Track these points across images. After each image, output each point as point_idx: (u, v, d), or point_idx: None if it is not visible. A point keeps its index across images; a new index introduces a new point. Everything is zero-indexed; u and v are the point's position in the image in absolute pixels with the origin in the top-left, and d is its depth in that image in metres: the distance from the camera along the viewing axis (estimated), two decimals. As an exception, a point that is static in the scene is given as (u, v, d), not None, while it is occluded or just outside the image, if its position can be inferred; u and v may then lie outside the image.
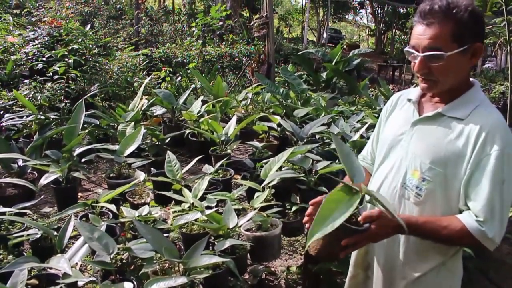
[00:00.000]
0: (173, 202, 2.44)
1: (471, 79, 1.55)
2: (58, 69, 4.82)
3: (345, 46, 5.80)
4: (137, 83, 5.50)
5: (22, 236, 1.75)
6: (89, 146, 2.61)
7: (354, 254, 1.79)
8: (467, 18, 1.38)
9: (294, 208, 2.19)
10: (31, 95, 4.21)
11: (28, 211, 1.88)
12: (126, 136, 2.61)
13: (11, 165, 2.35)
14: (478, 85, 1.55)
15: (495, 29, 5.91)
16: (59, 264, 1.49)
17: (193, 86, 4.10)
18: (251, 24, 6.17)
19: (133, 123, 2.85)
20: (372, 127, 3.08)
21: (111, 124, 3.17)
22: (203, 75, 6.20)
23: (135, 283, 1.52)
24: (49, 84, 4.57)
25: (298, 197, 2.29)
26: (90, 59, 5.65)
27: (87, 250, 1.55)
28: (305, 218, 1.47)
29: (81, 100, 2.75)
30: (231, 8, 11.01)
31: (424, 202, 1.50)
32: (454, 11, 1.38)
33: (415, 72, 1.49)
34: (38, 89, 4.36)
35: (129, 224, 1.96)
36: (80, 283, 1.77)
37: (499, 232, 1.37)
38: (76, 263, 1.58)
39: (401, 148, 1.58)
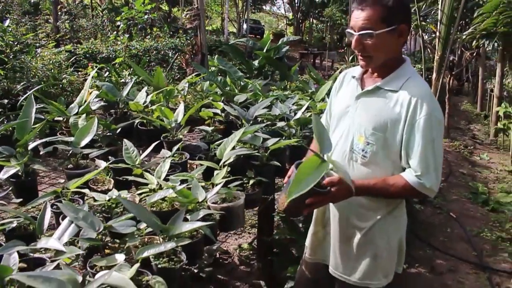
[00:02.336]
0: (132, 186, 2.57)
1: (403, 56, 1.88)
2: (-21, 67, 4.63)
3: (271, 36, 6.12)
4: (65, 80, 5.40)
5: (4, 225, 1.80)
6: (44, 140, 2.64)
7: (315, 213, 2.09)
8: (393, 3, 1.71)
9: (251, 181, 2.40)
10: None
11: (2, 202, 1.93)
12: (80, 128, 2.67)
13: (-33, 162, 2.34)
14: (409, 61, 1.89)
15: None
16: (48, 243, 1.59)
17: (134, 78, 4.14)
18: (184, 15, 6.25)
19: (84, 115, 2.90)
20: (308, 108, 3.36)
21: (55, 118, 3.18)
22: (132, 69, 6.19)
23: (124, 254, 1.64)
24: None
25: (253, 173, 2.49)
26: (12, 57, 5.45)
27: (74, 230, 1.65)
28: (285, 179, 1.83)
29: (29, 94, 2.74)
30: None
31: (370, 163, 1.83)
32: None
33: (353, 48, 1.79)
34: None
35: (101, 208, 2.06)
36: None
37: (435, 182, 1.72)
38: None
39: (348, 119, 1.92)
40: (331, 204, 1.95)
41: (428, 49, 6.61)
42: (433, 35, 8.59)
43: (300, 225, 3.25)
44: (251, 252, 3.66)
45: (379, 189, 1.77)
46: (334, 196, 1.72)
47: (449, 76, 7.75)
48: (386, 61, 1.80)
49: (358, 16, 1.73)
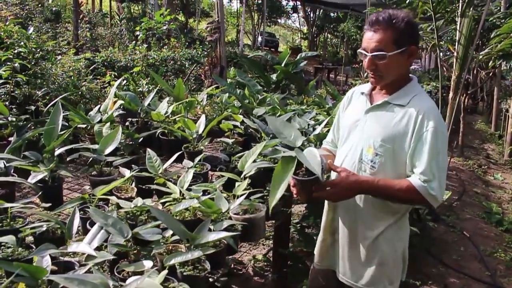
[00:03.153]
0: (154, 195, 2.63)
1: (410, 75, 2.03)
2: (3, 73, 4.74)
3: (288, 50, 6.20)
4: (85, 87, 5.50)
5: (34, 228, 1.86)
6: (69, 146, 2.72)
7: (323, 221, 2.24)
8: (404, 26, 1.84)
9: (272, 194, 2.44)
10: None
11: (33, 206, 1.99)
12: (105, 136, 2.74)
13: (-2, 166, 2.42)
14: (416, 79, 2.03)
15: (422, 34, 6.51)
16: (79, 248, 1.65)
17: (156, 89, 4.22)
18: (205, 28, 6.37)
19: (108, 123, 2.97)
20: (327, 123, 3.40)
21: (78, 126, 3.26)
22: (149, 78, 6.30)
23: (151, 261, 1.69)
24: (-8, 89, 4.49)
25: (273, 186, 2.53)
26: (33, 63, 5.57)
27: (103, 235, 1.71)
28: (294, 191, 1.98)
29: (57, 100, 2.83)
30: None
31: (378, 173, 1.94)
32: (393, 21, 1.83)
33: (365, 68, 1.93)
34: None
35: (126, 215, 2.11)
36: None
37: (439, 191, 1.82)
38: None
39: (358, 132, 2.04)
40: (339, 213, 2.08)
41: (444, 68, 6.61)
42: (448, 53, 8.62)
43: (315, 237, 3.27)
44: (265, 263, 3.69)
45: (383, 187, 1.85)
46: (335, 194, 1.88)
47: (464, 95, 7.76)
48: (395, 79, 1.93)
49: (371, 38, 1.85)
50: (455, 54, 4.90)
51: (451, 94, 5.07)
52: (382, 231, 1.98)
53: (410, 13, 1.97)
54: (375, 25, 1.85)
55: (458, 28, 4.73)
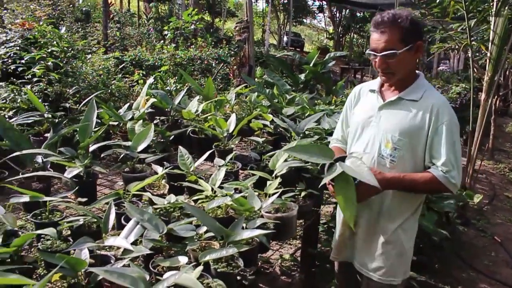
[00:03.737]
0: (185, 192, 2.66)
1: (416, 71, 2.10)
2: (37, 71, 4.86)
3: (316, 50, 6.18)
4: (114, 85, 5.59)
5: (71, 222, 1.91)
6: (103, 143, 2.77)
7: (341, 216, 2.18)
8: (408, 24, 1.91)
9: (303, 193, 2.45)
10: (10, 98, 4.25)
11: (70, 200, 2.04)
12: (138, 133, 2.78)
13: (35, 161, 2.48)
14: (422, 75, 2.11)
15: (452, 34, 6.39)
16: (116, 242, 1.68)
17: (186, 88, 4.26)
18: (233, 28, 6.40)
19: (141, 121, 3.02)
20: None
21: (111, 123, 3.32)
22: (176, 78, 6.36)
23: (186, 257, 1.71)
24: (28, 87, 4.60)
25: (303, 185, 2.53)
26: (65, 62, 5.69)
27: (139, 230, 1.74)
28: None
29: (91, 97, 2.89)
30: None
31: (397, 166, 2.02)
32: (399, 20, 1.91)
33: (376, 68, 2.01)
34: (16, 91, 4.39)
35: (159, 211, 2.14)
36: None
37: (458, 178, 1.93)
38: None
39: (372, 128, 2.10)
40: (361, 206, 2.10)
41: (475, 69, 6.50)
42: (477, 54, 8.44)
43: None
44: (292, 263, 3.69)
45: (409, 181, 1.94)
46: (368, 191, 1.94)
47: (495, 96, 7.59)
48: (405, 75, 2.01)
49: (379, 39, 1.94)
50: (488, 54, 4.79)
51: (483, 96, 4.95)
52: (401, 223, 2.08)
53: (411, 12, 2.05)
54: (381, 26, 1.92)
55: (492, 27, 4.62)
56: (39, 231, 1.77)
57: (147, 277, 1.45)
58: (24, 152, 2.37)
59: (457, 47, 7.98)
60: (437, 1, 5.61)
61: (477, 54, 8.44)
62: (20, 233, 1.86)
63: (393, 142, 1.99)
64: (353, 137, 2.21)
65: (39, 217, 2.04)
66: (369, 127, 2.11)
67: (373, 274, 2.14)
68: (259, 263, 3.57)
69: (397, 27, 1.90)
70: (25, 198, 1.96)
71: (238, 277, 1.87)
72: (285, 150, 1.85)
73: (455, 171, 1.90)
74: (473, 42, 5.43)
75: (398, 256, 2.10)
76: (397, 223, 2.08)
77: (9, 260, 1.64)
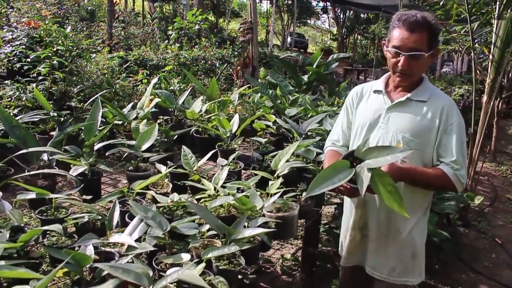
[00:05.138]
0: (188, 191, 2.69)
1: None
2: (42, 70, 4.90)
3: (320, 51, 6.20)
4: (118, 85, 5.63)
5: (77, 219, 1.94)
6: (108, 142, 2.81)
7: (351, 219, 2.24)
8: (435, 29, 1.93)
9: (304, 193, 2.48)
10: (15, 96, 4.30)
11: (75, 198, 2.08)
12: (142, 133, 2.82)
13: (42, 159, 2.53)
14: (427, 77, 2.12)
15: (456, 36, 6.41)
16: (121, 239, 1.71)
17: (190, 88, 4.30)
18: (237, 28, 6.44)
19: (145, 120, 3.06)
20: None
21: (115, 122, 3.36)
22: (180, 77, 6.40)
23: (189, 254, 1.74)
24: (33, 85, 4.64)
25: (305, 185, 2.57)
26: (70, 61, 5.72)
27: (143, 228, 1.77)
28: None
29: (96, 97, 2.92)
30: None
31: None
32: (429, 23, 1.90)
33: (395, 67, 1.97)
34: (21, 90, 4.43)
35: (163, 209, 2.18)
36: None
37: (465, 177, 1.98)
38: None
39: (380, 129, 2.09)
40: (371, 209, 2.14)
41: (478, 71, 6.51)
42: (481, 56, 8.45)
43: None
44: (293, 263, 3.72)
45: (420, 174, 1.94)
46: None
47: (498, 99, 7.59)
48: (417, 77, 2.04)
49: (408, 37, 1.89)
50: (490, 57, 4.81)
51: (485, 98, 4.98)
52: (416, 222, 2.09)
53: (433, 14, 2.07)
54: (412, 25, 1.88)
55: (494, 30, 4.64)
56: (45, 227, 1.80)
57: (151, 273, 1.48)
58: (31, 150, 2.41)
59: (460, 49, 7.99)
60: (441, 4, 5.62)
61: (481, 56, 8.46)
62: (26, 229, 1.90)
63: (404, 142, 2.00)
64: (354, 137, 2.19)
65: (45, 214, 2.08)
66: (376, 128, 2.09)
67: (387, 276, 2.13)
68: (261, 263, 3.61)
69: (427, 29, 1.90)
70: (32, 195, 2.00)
71: (240, 276, 1.90)
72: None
73: (463, 170, 1.94)
74: (476, 45, 5.45)
75: (412, 257, 2.11)
76: (410, 224, 2.08)
77: (15, 255, 1.68)
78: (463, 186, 1.96)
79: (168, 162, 2.80)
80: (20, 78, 4.70)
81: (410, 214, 1.99)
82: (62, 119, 3.14)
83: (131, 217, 1.95)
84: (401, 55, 1.91)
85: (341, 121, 2.32)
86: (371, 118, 2.11)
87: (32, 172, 2.39)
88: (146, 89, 5.06)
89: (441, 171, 1.93)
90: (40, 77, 4.89)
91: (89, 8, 11.97)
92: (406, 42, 1.89)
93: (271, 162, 2.64)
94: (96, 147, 2.74)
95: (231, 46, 10.38)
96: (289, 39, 25.64)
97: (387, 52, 2.00)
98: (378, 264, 2.15)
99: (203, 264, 1.56)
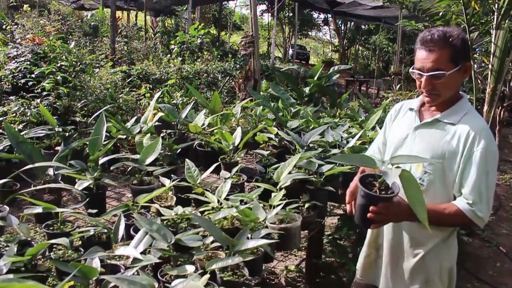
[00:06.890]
0: (192, 204, 2.72)
1: (460, 92, 1.96)
2: (47, 85, 4.97)
3: (321, 63, 6.27)
4: (121, 99, 5.69)
5: (82, 232, 1.98)
6: (112, 156, 2.85)
7: (368, 237, 2.17)
8: (460, 43, 1.80)
9: (307, 205, 2.51)
10: (20, 111, 4.36)
11: (80, 211, 2.12)
12: (146, 147, 2.86)
13: (47, 173, 2.57)
14: (466, 97, 1.97)
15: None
16: (126, 251, 1.74)
17: (193, 101, 4.35)
18: (239, 42, 6.51)
19: (148, 134, 3.10)
20: (360, 136, 3.43)
21: (119, 136, 3.41)
22: (183, 91, 6.46)
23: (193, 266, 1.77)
24: (38, 100, 4.71)
25: (307, 196, 2.60)
26: (74, 76, 5.80)
27: (148, 240, 1.80)
28: (348, 207, 1.91)
29: (101, 112, 2.98)
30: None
31: (426, 191, 1.88)
32: (450, 39, 1.78)
33: (421, 89, 1.87)
34: (25, 105, 4.49)
35: (167, 222, 2.21)
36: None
37: (486, 212, 1.77)
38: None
39: (406, 148, 1.99)
40: (385, 230, 2.05)
41: (479, 80, 6.55)
42: (483, 65, 8.49)
43: (348, 249, 3.31)
44: (297, 274, 3.73)
45: (432, 212, 1.73)
46: (389, 216, 1.77)
47: (500, 107, 7.62)
48: (449, 96, 1.88)
49: (427, 58, 1.80)
50: (489, 66, 4.86)
51: (485, 107, 5.01)
52: (430, 248, 1.95)
53: (461, 29, 1.93)
54: (430, 44, 1.80)
55: (493, 40, 4.69)
56: (52, 241, 1.83)
57: (156, 285, 1.51)
58: (37, 164, 2.46)
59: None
60: (440, 14, 5.68)
61: (483, 65, 8.51)
62: (33, 243, 1.94)
63: (424, 165, 1.89)
64: (388, 155, 2.09)
65: (51, 228, 2.11)
66: (402, 147, 2.00)
67: None
68: (265, 274, 3.61)
69: (447, 46, 1.78)
70: (38, 210, 2.04)
71: (244, 287, 1.92)
72: (333, 158, 1.73)
73: (483, 204, 1.75)
74: (475, 55, 5.50)
75: (424, 284, 1.97)
76: (424, 249, 1.95)
77: (23, 268, 1.71)
78: (484, 221, 1.77)
79: (172, 175, 2.84)
80: (24, 93, 4.77)
81: (426, 239, 1.93)
82: (67, 134, 3.19)
83: (136, 230, 1.99)
84: (423, 77, 1.83)
85: (380, 136, 2.26)
86: (401, 137, 2.03)
87: (38, 187, 2.43)
88: (149, 103, 5.13)
89: (455, 208, 1.79)
90: (45, 93, 4.96)
91: (92, 23, 12.11)
92: (425, 62, 1.81)
93: (273, 174, 2.67)
94: (101, 161, 2.79)
95: (233, 59, 10.48)
96: (290, 51, 25.79)
97: (413, 73, 1.91)
98: (390, 287, 2.07)
99: (207, 276, 1.58)
